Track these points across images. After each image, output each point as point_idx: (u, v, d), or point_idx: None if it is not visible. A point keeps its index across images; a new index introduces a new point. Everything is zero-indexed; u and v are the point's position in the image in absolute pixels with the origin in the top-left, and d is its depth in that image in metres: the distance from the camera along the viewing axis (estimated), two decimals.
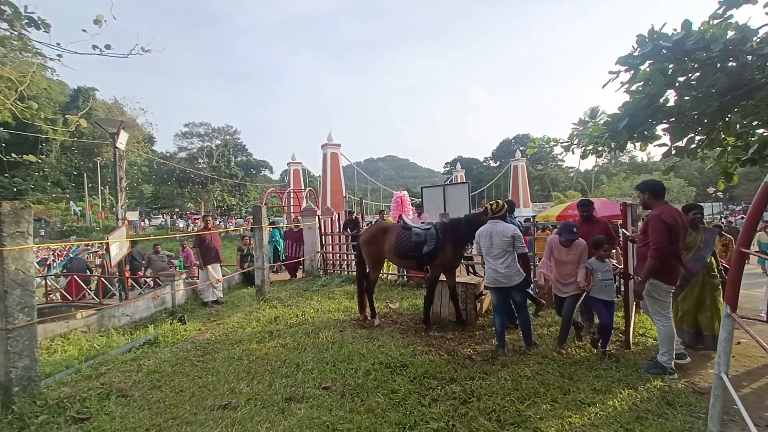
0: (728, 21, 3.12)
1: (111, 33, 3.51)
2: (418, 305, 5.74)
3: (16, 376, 3.16)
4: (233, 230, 26.31)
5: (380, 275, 6.17)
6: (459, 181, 35.90)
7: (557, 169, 66.58)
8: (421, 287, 6.87)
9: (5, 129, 25.33)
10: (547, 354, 3.84)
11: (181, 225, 37.95)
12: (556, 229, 4.20)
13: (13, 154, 4.49)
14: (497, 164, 68.43)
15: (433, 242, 4.67)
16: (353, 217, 10.61)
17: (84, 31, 3.31)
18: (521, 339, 4.16)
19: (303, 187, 26.08)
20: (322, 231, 9.71)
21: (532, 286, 5.39)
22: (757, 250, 10.36)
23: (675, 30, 3.21)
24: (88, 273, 10.22)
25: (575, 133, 4.31)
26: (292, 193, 22.02)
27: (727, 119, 3.68)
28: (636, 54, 3.34)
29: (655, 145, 3.88)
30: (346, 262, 9.54)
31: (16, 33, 3.34)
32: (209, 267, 7.42)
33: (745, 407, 1.63)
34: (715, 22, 3.15)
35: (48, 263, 15.54)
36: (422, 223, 5.44)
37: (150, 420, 2.94)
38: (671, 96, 3.49)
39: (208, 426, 2.80)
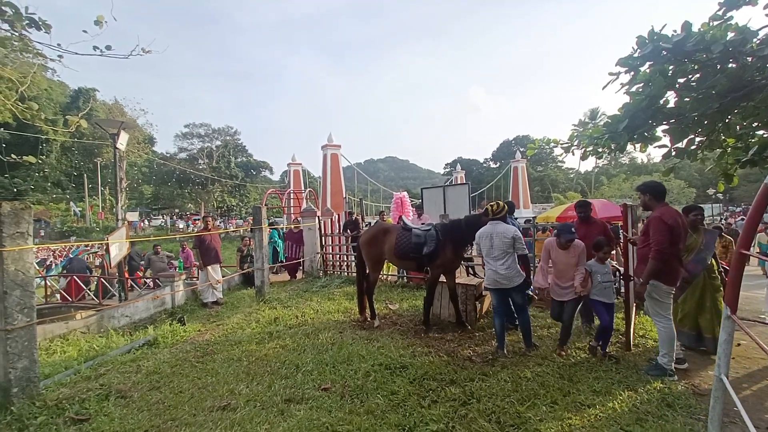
0: (728, 22, 3.12)
1: (111, 34, 3.52)
2: (417, 306, 5.74)
3: (15, 377, 3.16)
4: (233, 231, 26.29)
5: (380, 276, 6.17)
6: (459, 182, 35.93)
7: (557, 170, 66.62)
8: (421, 288, 6.86)
9: (6, 129, 25.35)
10: (547, 355, 3.84)
11: (181, 226, 37.96)
12: (555, 231, 4.15)
13: (13, 155, 4.49)
14: (497, 165, 68.46)
15: (433, 243, 4.67)
16: (353, 218, 10.60)
17: (85, 32, 3.32)
18: (521, 340, 4.16)
19: (303, 188, 26.10)
20: (322, 232, 9.71)
21: (531, 287, 5.39)
22: (758, 251, 10.35)
23: (675, 31, 3.22)
24: (88, 274, 10.22)
25: (575, 134, 4.30)
26: (292, 194, 22.03)
27: (727, 121, 3.68)
28: (636, 55, 3.34)
29: (655, 147, 3.88)
30: (346, 263, 9.53)
31: (17, 34, 3.35)
32: (209, 268, 7.41)
33: (745, 409, 1.62)
34: (715, 23, 3.16)
35: (47, 264, 15.52)
36: (422, 224, 5.43)
37: (149, 421, 2.93)
38: (671, 97, 3.49)
39: (208, 427, 2.80)
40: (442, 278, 4.83)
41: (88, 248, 16.90)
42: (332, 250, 10.04)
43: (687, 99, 3.38)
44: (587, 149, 4.16)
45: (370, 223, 10.95)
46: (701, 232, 3.93)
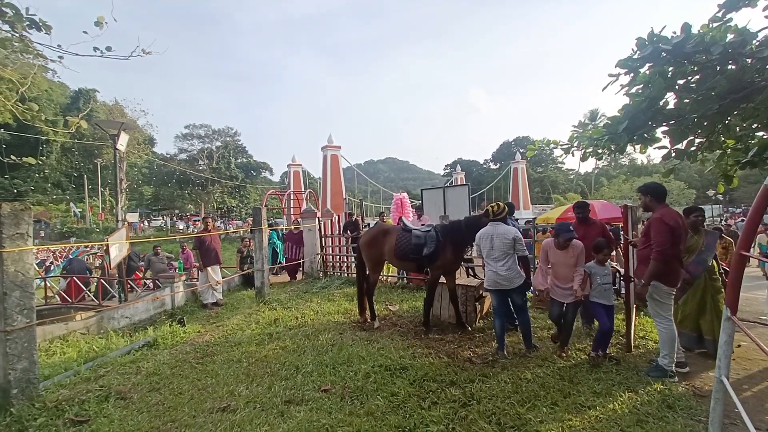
0: (728, 24, 3.12)
1: (112, 35, 3.52)
2: (417, 307, 5.73)
3: (14, 378, 3.15)
4: (233, 232, 26.28)
5: (380, 277, 6.16)
6: (459, 183, 35.95)
7: (557, 171, 66.65)
8: (421, 289, 6.86)
9: (6, 130, 25.35)
10: (548, 357, 3.83)
11: (180, 227, 37.92)
12: (553, 232, 4.13)
13: (12, 156, 4.49)
14: (497, 166, 68.50)
15: (433, 244, 4.67)
16: (353, 219, 10.60)
17: (85, 32, 3.32)
18: (521, 341, 4.15)
19: (303, 189, 26.09)
20: (322, 233, 9.71)
21: (531, 288, 5.39)
22: (758, 252, 10.35)
23: (675, 33, 3.22)
24: (88, 275, 10.21)
25: (575, 135, 4.31)
26: (292, 195, 22.02)
27: (726, 122, 3.69)
28: (636, 57, 3.35)
29: (654, 148, 3.88)
30: (346, 264, 9.53)
31: (17, 35, 3.36)
32: (209, 269, 7.41)
33: (745, 410, 1.62)
34: (715, 25, 3.16)
35: (46, 265, 15.50)
36: (422, 225, 5.43)
37: (149, 423, 2.93)
38: (671, 99, 3.50)
39: (207, 429, 2.79)
40: (442, 279, 4.83)
41: (88, 249, 16.90)
42: (332, 251, 10.04)
43: (687, 100, 3.39)
44: (587, 150, 4.16)
45: (369, 225, 10.95)
46: (702, 234, 3.93)
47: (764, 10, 3.08)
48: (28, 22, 3.26)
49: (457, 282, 5.00)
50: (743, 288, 2.01)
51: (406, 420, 2.76)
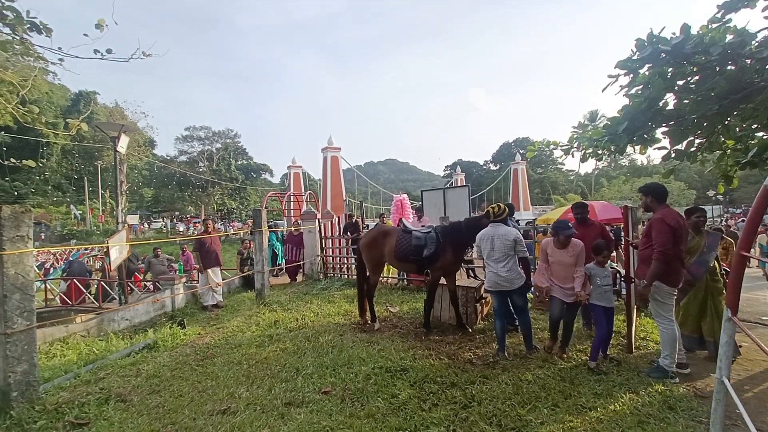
0: (727, 25, 3.13)
1: (112, 37, 3.54)
2: (418, 309, 5.73)
3: (14, 380, 3.15)
4: (233, 234, 26.28)
5: (380, 279, 6.16)
6: (459, 185, 35.97)
7: (557, 172, 66.67)
8: (422, 291, 6.85)
9: (7, 133, 25.39)
10: (548, 358, 3.83)
11: (181, 228, 37.92)
12: (551, 230, 4.02)
13: (12, 159, 4.50)
14: (497, 167, 68.53)
15: (434, 246, 4.67)
16: (353, 220, 10.59)
17: (86, 35, 3.33)
18: (522, 343, 4.15)
19: (303, 191, 26.11)
20: (322, 234, 9.71)
21: (532, 289, 5.38)
22: (758, 252, 10.34)
23: (674, 34, 3.22)
24: (88, 277, 10.21)
25: (575, 136, 4.31)
26: (292, 197, 22.03)
27: (726, 122, 3.68)
28: (635, 58, 3.35)
29: (654, 149, 3.88)
30: (346, 266, 9.52)
31: (18, 37, 3.37)
32: (209, 271, 7.41)
33: (747, 412, 1.61)
34: (714, 26, 3.16)
35: (46, 267, 15.49)
36: (422, 226, 5.43)
37: (149, 425, 2.92)
38: (671, 99, 3.50)
39: (207, 431, 2.79)
40: (443, 281, 4.83)
41: (88, 251, 16.90)
42: (332, 253, 10.03)
43: (686, 101, 3.39)
44: (587, 151, 4.16)
45: (368, 226, 10.96)
46: (704, 235, 3.91)
47: (763, 10, 3.08)
48: (28, 25, 3.28)
49: (457, 283, 4.99)
50: (744, 288, 2.00)
51: (407, 422, 2.76)
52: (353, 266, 8.32)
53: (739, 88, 3.11)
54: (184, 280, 8.20)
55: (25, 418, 3.01)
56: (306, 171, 35.87)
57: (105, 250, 8.19)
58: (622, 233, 4.29)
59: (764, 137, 3.73)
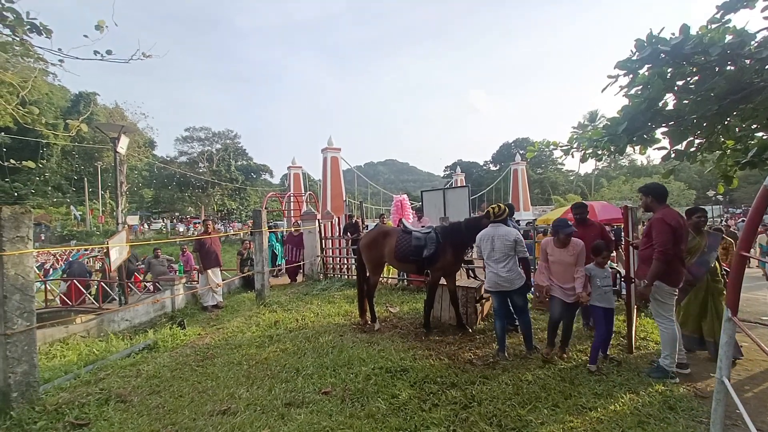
0: (726, 25, 3.13)
1: (112, 38, 3.55)
2: (418, 309, 5.73)
3: (14, 381, 3.15)
4: (233, 234, 26.28)
5: (380, 279, 6.16)
6: (459, 185, 35.98)
7: (557, 172, 66.68)
8: (422, 291, 6.85)
9: (7, 134, 25.41)
10: (548, 358, 3.82)
11: (181, 229, 37.92)
12: (551, 229, 3.96)
13: (12, 160, 4.51)
14: (497, 168, 68.55)
15: (434, 246, 4.67)
16: (353, 221, 10.60)
17: (86, 36, 3.34)
18: (522, 343, 4.15)
19: (303, 191, 26.11)
20: (322, 235, 9.71)
21: (532, 289, 5.38)
22: (758, 252, 10.34)
23: (673, 34, 3.23)
24: (88, 277, 10.21)
25: (575, 136, 4.31)
26: (292, 197, 22.03)
27: (726, 123, 3.69)
28: (635, 58, 3.35)
29: (654, 149, 3.88)
30: (346, 266, 9.52)
31: (18, 39, 3.37)
32: (209, 271, 7.40)
33: (747, 412, 1.61)
34: (714, 26, 3.17)
35: (45, 268, 15.49)
36: (422, 226, 5.43)
37: (149, 426, 2.92)
38: (670, 100, 3.50)
39: (208, 431, 2.79)
40: (443, 281, 4.83)
41: (88, 252, 16.89)
42: (332, 253, 10.03)
43: (686, 101, 3.39)
44: (587, 151, 4.16)
45: (367, 227, 10.96)
46: (704, 235, 3.90)
47: (762, 11, 3.09)
48: (28, 26, 3.28)
49: (457, 283, 4.99)
50: (744, 288, 2.01)
51: (407, 422, 2.76)
52: (353, 267, 8.32)
53: (739, 89, 3.11)
54: (184, 280, 8.19)
55: (25, 419, 3.01)
56: (306, 171, 35.89)
57: (105, 250, 8.18)
58: (623, 233, 4.29)
59: (764, 137, 3.73)
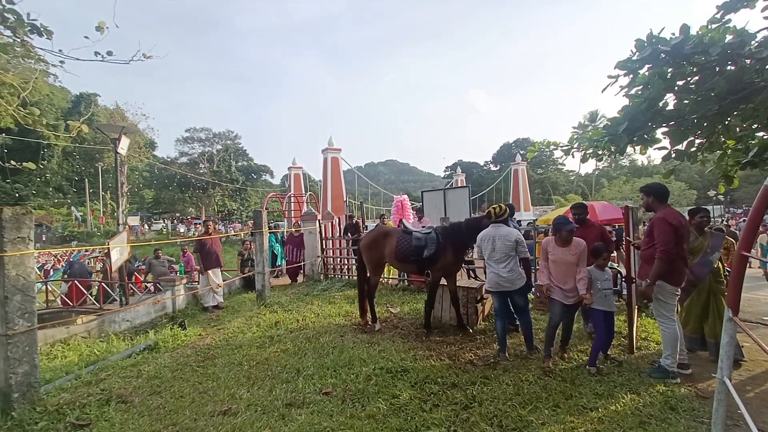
0: (726, 25, 3.13)
1: (113, 39, 3.55)
2: (418, 310, 5.72)
3: (15, 382, 3.15)
4: (234, 235, 26.29)
5: (381, 280, 6.16)
6: (459, 185, 35.98)
7: (558, 172, 66.63)
8: (422, 291, 6.85)
9: (8, 135, 25.46)
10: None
11: (181, 230, 37.95)
12: (552, 228, 3.87)
13: (13, 161, 4.51)
14: (497, 168, 68.51)
15: (434, 246, 4.66)
16: (354, 221, 10.59)
17: (86, 38, 3.34)
18: (523, 343, 4.14)
19: (303, 192, 26.12)
20: (323, 235, 9.71)
21: (533, 289, 5.38)
22: (759, 252, 10.32)
23: (673, 34, 3.23)
24: (90, 277, 10.22)
25: (575, 136, 4.31)
26: (292, 198, 22.04)
27: (726, 122, 3.69)
28: (635, 58, 3.35)
29: (655, 149, 3.88)
30: (346, 267, 9.52)
31: (18, 40, 3.38)
32: (210, 272, 7.41)
33: (748, 412, 1.61)
34: (714, 26, 3.17)
35: (46, 269, 15.50)
36: (423, 227, 5.43)
37: (150, 426, 2.92)
38: (671, 100, 3.50)
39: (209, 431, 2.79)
40: (443, 281, 4.82)
41: (89, 253, 16.90)
42: (333, 254, 10.03)
43: (686, 101, 3.39)
44: (587, 152, 4.16)
45: (367, 227, 10.95)
46: (707, 235, 3.86)
47: (763, 11, 3.09)
48: (29, 28, 3.29)
49: (458, 284, 4.99)
50: (745, 288, 2.01)
51: (408, 423, 2.76)
52: (354, 267, 8.32)
53: (739, 88, 3.11)
54: (184, 281, 8.21)
55: (26, 419, 3.02)
56: (306, 172, 35.90)
57: (106, 251, 8.19)
58: (624, 233, 4.28)
59: (764, 137, 3.73)
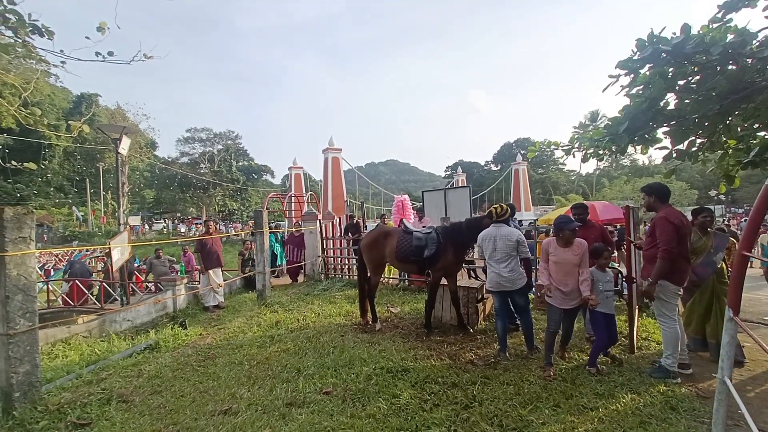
0: (727, 24, 3.12)
1: (114, 39, 3.55)
2: (419, 309, 5.73)
3: (17, 381, 3.16)
4: (234, 235, 26.32)
5: (381, 279, 6.16)
6: (460, 185, 35.97)
7: (558, 172, 66.56)
8: (423, 291, 6.85)
9: (9, 135, 25.51)
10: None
11: (182, 230, 37.99)
12: (553, 228, 3.83)
13: (14, 161, 4.52)
14: (498, 168, 68.49)
15: (434, 246, 4.67)
16: (354, 221, 10.60)
17: (87, 38, 3.35)
18: (523, 343, 4.14)
19: (304, 192, 26.13)
20: (324, 235, 9.72)
21: (533, 289, 5.37)
22: (760, 252, 10.30)
23: (674, 34, 3.22)
24: (90, 277, 10.23)
25: (576, 136, 4.30)
26: (293, 198, 22.06)
27: (727, 122, 3.68)
28: (636, 58, 3.34)
29: (656, 149, 3.87)
30: (347, 267, 9.52)
31: (20, 40, 3.38)
32: (210, 272, 7.42)
33: (749, 412, 1.61)
34: (715, 25, 3.16)
35: (47, 269, 15.52)
36: (423, 227, 5.43)
37: (150, 425, 2.93)
38: (671, 99, 3.49)
39: (209, 431, 2.79)
40: (444, 281, 4.82)
41: (90, 252, 16.92)
42: (333, 254, 10.04)
43: (687, 101, 3.38)
44: (588, 151, 4.15)
45: (367, 227, 10.95)
46: (711, 235, 3.83)
47: (764, 10, 3.08)
48: (30, 28, 3.29)
49: (458, 283, 4.99)
50: (746, 288, 2.00)
51: (408, 422, 2.76)
52: (354, 267, 8.32)
53: (740, 88, 3.10)
54: (185, 281, 8.21)
55: (27, 419, 3.02)
56: (307, 172, 35.95)
57: (107, 251, 8.20)
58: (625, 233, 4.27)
59: (766, 137, 3.72)
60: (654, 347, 4.12)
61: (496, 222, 4.01)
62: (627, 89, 3.55)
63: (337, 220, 11.31)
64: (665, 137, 3.70)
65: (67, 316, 7.63)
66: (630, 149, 3.93)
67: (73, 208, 38.05)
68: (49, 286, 10.49)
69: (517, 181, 44.93)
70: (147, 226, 40.34)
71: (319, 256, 9.47)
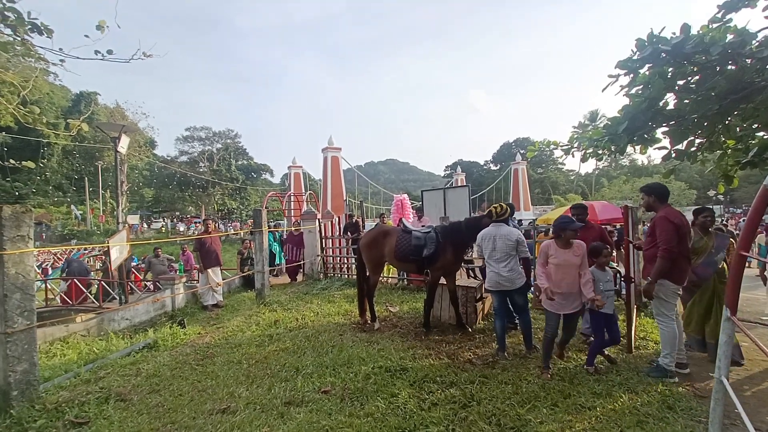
0: (727, 25, 3.13)
1: (113, 38, 3.54)
2: (418, 309, 5.73)
3: (14, 380, 3.16)
4: (233, 233, 26.30)
5: (380, 279, 6.16)
6: (459, 185, 35.98)
7: (558, 172, 66.63)
8: (422, 291, 6.85)
9: (8, 133, 25.46)
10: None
11: (181, 228, 37.95)
12: (553, 229, 3.73)
13: (12, 160, 4.51)
14: (497, 167, 68.53)
15: (434, 245, 4.67)
16: (353, 220, 10.60)
17: (87, 36, 3.34)
18: (522, 342, 4.15)
19: (303, 191, 26.12)
20: (323, 234, 9.71)
21: (532, 289, 5.37)
22: (757, 252, 10.32)
23: (674, 34, 3.23)
24: (89, 276, 10.20)
25: (575, 136, 4.30)
26: (292, 197, 22.05)
27: (726, 122, 3.68)
28: (635, 58, 3.35)
29: (655, 148, 3.87)
30: (346, 266, 9.53)
31: (19, 38, 3.37)
32: (209, 270, 7.41)
33: (746, 411, 1.61)
34: (714, 25, 3.16)
35: (44, 267, 15.49)
36: (422, 226, 5.43)
37: (149, 424, 2.93)
38: (671, 99, 3.50)
39: (207, 430, 2.79)
40: (443, 280, 4.83)
41: (88, 251, 16.91)
42: (332, 253, 10.04)
43: (686, 101, 3.39)
44: (587, 151, 4.16)
45: (366, 226, 10.95)
46: (712, 235, 3.83)
47: (764, 10, 3.08)
48: (29, 26, 3.28)
49: (457, 283, 4.99)
50: (743, 288, 2.01)
51: (406, 421, 2.76)
52: (353, 266, 8.32)
53: (740, 88, 3.11)
54: (184, 279, 8.20)
55: (25, 417, 3.02)
56: (306, 171, 35.94)
57: (106, 250, 8.20)
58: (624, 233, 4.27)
59: (765, 137, 3.73)
60: (652, 347, 4.13)
61: (495, 221, 4.01)
62: (626, 89, 3.56)
63: (337, 219, 11.31)
64: (664, 137, 3.71)
65: (65, 314, 7.62)
66: (629, 149, 3.93)
67: (72, 206, 37.96)
68: (48, 285, 10.48)
69: (516, 181, 44.99)
70: (146, 225, 40.29)
71: (318, 256, 9.46)
